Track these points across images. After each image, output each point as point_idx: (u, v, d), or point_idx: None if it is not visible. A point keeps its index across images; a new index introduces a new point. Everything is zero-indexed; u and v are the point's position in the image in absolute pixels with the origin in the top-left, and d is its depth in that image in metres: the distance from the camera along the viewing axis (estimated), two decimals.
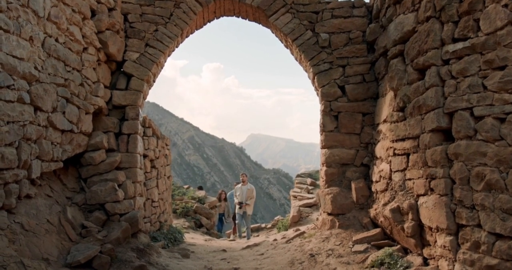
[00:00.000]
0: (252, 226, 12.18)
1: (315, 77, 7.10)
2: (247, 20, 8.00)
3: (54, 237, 4.62)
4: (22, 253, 3.83)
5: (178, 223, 11.11)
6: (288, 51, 8.12)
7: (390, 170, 5.76)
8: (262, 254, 6.66)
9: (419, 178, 4.93)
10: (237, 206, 11.00)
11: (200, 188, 15.47)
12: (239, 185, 11.37)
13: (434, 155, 4.55)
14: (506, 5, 3.76)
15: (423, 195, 4.82)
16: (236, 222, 11.37)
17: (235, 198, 11.35)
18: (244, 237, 11.02)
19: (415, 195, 5.03)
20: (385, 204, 5.63)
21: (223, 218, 13.26)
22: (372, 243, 5.65)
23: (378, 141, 6.36)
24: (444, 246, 4.33)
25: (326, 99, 7.03)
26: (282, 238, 7.69)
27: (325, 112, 7.04)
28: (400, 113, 5.53)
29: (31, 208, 4.48)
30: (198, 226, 12.09)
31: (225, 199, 13.13)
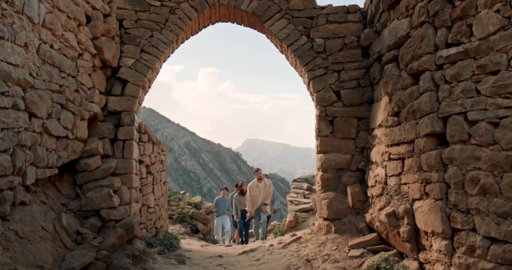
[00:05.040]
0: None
1: (310, 82, 7.13)
2: (242, 25, 8.03)
3: (49, 244, 4.59)
4: (16, 261, 3.80)
5: (174, 228, 11.04)
6: (283, 56, 8.16)
7: (386, 175, 5.77)
8: (258, 259, 6.63)
9: (414, 182, 4.94)
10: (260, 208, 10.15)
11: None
12: (254, 183, 10.07)
13: (429, 160, 4.57)
14: (498, 11, 3.80)
15: (419, 199, 4.83)
16: (253, 225, 10.71)
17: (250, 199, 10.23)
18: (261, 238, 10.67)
19: (411, 200, 5.05)
20: (380, 209, 5.64)
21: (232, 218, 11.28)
22: (368, 248, 5.65)
23: (374, 146, 6.38)
24: (440, 251, 4.34)
25: (322, 104, 7.04)
26: (278, 243, 7.66)
27: (320, 118, 7.05)
28: (395, 118, 5.55)
29: (25, 215, 4.46)
30: (194, 231, 12.01)
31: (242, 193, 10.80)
